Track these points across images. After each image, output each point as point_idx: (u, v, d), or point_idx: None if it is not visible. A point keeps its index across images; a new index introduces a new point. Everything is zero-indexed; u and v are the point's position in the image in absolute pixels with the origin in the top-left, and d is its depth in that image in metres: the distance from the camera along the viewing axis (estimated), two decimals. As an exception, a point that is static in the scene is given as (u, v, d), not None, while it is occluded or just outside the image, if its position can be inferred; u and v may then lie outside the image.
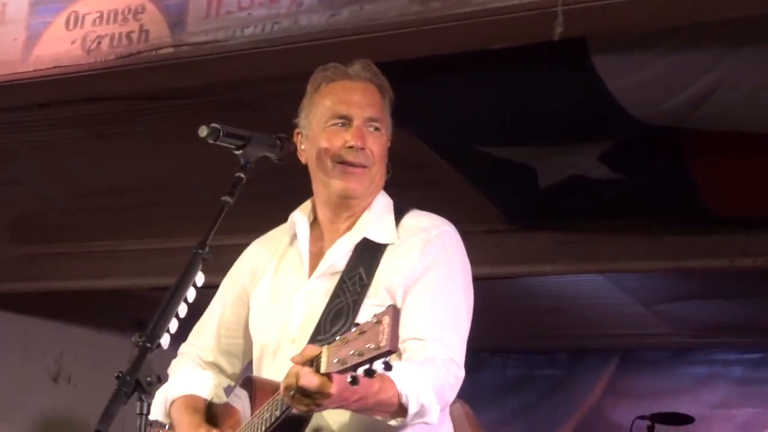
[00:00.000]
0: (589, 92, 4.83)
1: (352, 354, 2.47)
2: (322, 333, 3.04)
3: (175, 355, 3.49)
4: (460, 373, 3.04)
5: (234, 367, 3.43)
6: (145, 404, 2.60)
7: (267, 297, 3.28)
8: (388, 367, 2.44)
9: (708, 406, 10.27)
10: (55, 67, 4.96)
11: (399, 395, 2.79)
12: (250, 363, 3.37)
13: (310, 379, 2.58)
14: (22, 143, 6.27)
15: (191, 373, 3.37)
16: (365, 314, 2.98)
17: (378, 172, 3.23)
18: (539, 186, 6.09)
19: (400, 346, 2.84)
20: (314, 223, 3.31)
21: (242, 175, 3.02)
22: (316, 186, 3.28)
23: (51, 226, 7.89)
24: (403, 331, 2.83)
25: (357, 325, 2.52)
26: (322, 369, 2.57)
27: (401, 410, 2.82)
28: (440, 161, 6.04)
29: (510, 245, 7.10)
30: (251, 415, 2.98)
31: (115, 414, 2.54)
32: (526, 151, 5.84)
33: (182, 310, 2.94)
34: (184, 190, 6.62)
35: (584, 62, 4.63)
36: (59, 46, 4.95)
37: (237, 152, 3.07)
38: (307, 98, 3.29)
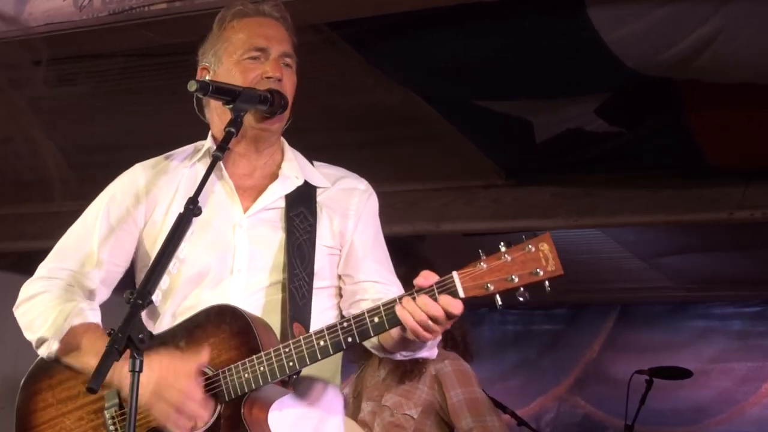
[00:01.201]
0: (586, 44, 4.79)
1: (509, 277, 2.66)
2: (296, 267, 3.14)
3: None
4: None
5: (102, 297, 3.35)
6: (137, 361, 2.58)
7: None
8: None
9: (706, 360, 10.30)
10: (47, 24, 4.91)
11: None
12: None
13: (460, 307, 2.75)
14: (15, 101, 6.22)
15: (91, 304, 3.27)
16: (320, 254, 3.21)
17: (289, 109, 3.27)
18: (536, 140, 6.07)
19: (359, 285, 3.21)
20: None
21: (233, 130, 3.01)
22: (216, 124, 3.30)
23: (43, 184, 7.84)
24: (361, 274, 3.23)
25: (498, 250, 2.72)
26: (461, 294, 2.73)
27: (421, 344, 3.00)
28: (437, 116, 6.01)
29: (508, 200, 7.09)
30: (262, 347, 2.97)
31: (107, 372, 2.52)
32: (523, 105, 5.81)
33: (173, 266, 2.93)
34: (178, 146, 6.58)
35: (580, 14, 4.59)
36: (51, 3, 4.89)
37: (227, 107, 3.06)
38: (214, 34, 3.34)
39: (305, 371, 3.04)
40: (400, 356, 3.12)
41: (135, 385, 2.56)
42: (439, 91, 5.72)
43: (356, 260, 3.27)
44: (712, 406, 10.25)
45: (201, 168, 3.29)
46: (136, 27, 4.81)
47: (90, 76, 5.79)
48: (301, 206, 3.23)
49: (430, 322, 2.75)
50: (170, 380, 2.88)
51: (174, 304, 3.18)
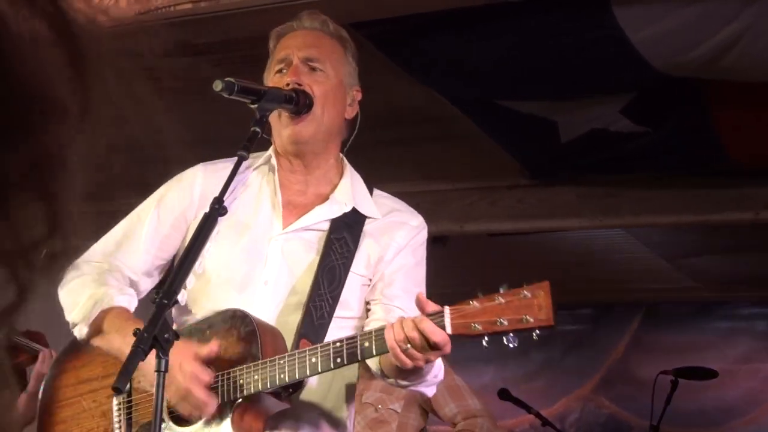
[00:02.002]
0: (611, 44, 4.78)
1: (499, 320, 2.64)
2: (320, 288, 3.14)
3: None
4: None
5: (146, 287, 3.38)
6: (163, 361, 2.59)
7: (225, 226, 3.23)
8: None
9: (732, 360, 10.26)
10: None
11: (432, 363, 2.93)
12: None
13: (442, 337, 2.71)
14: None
15: (124, 290, 3.29)
16: (351, 281, 3.18)
17: (326, 115, 3.25)
18: (561, 140, 6.06)
19: (377, 306, 3.17)
20: (280, 171, 3.34)
21: (258, 129, 3.01)
22: (275, 138, 3.33)
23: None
24: (384, 297, 3.19)
25: (494, 293, 2.70)
26: (449, 329, 2.70)
27: (418, 376, 2.98)
28: (462, 116, 6.00)
29: (533, 200, 7.08)
30: (262, 355, 2.97)
31: (132, 371, 2.53)
32: (548, 105, 5.80)
33: (199, 266, 2.94)
34: (206, 146, 6.59)
35: (606, 13, 4.58)
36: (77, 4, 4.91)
37: (252, 106, 3.07)
38: (269, 61, 3.39)
39: (310, 396, 3.07)
40: (398, 384, 3.08)
41: (161, 385, 2.57)
42: (463, 91, 5.71)
43: (383, 285, 3.24)
44: (738, 407, 10.21)
45: (255, 176, 3.34)
46: (161, 27, 4.83)
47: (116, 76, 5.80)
48: (345, 232, 3.22)
49: (406, 345, 2.73)
50: (181, 363, 2.89)
51: (202, 304, 3.20)
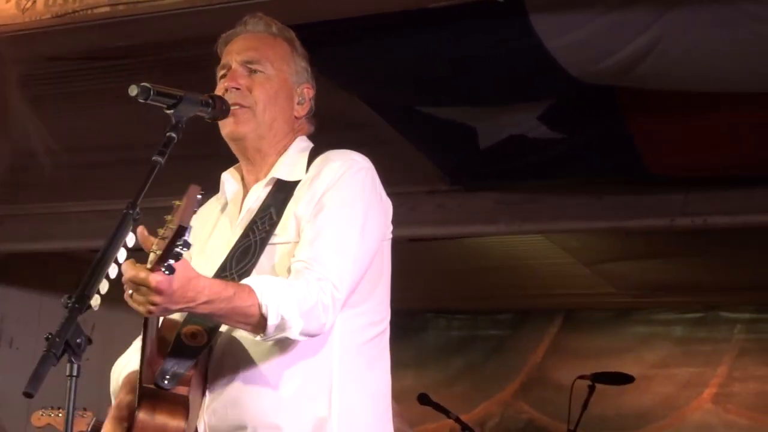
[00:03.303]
0: (528, 51, 4.83)
1: (161, 239, 2.52)
2: (227, 270, 3.06)
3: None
4: (338, 295, 2.94)
5: None
6: (75, 366, 2.57)
7: (195, 253, 3.24)
8: (186, 245, 2.47)
9: (649, 365, 10.39)
10: (-8, 25, 4.89)
11: (259, 305, 2.79)
12: None
13: (128, 270, 2.62)
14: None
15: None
16: (272, 252, 3.05)
17: (267, 113, 3.23)
18: (480, 146, 6.10)
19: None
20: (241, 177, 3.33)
21: (173, 135, 2.99)
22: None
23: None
24: (296, 254, 2.97)
25: None
26: (148, 264, 2.59)
27: (262, 322, 2.81)
28: (382, 122, 6.03)
29: (452, 206, 7.12)
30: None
31: (43, 376, 2.50)
32: (466, 111, 5.84)
33: (113, 271, 2.91)
34: (125, 151, 6.56)
35: (522, 21, 4.63)
36: (-5, 5, 4.87)
37: (168, 111, 3.04)
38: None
39: (256, 375, 3.01)
40: (262, 338, 2.89)
41: (72, 390, 2.55)
42: (383, 96, 5.74)
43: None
44: (655, 411, 10.33)
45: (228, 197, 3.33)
46: (79, 30, 4.80)
47: (34, 79, 5.75)
48: (272, 207, 3.15)
49: (128, 290, 2.68)
50: None
51: None
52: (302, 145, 3.31)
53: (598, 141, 5.95)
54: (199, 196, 2.53)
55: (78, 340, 2.59)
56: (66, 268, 8.90)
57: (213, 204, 3.39)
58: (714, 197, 6.49)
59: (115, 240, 2.76)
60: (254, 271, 3.03)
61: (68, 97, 5.99)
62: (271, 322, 2.80)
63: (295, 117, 3.32)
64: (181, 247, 2.48)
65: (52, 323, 2.65)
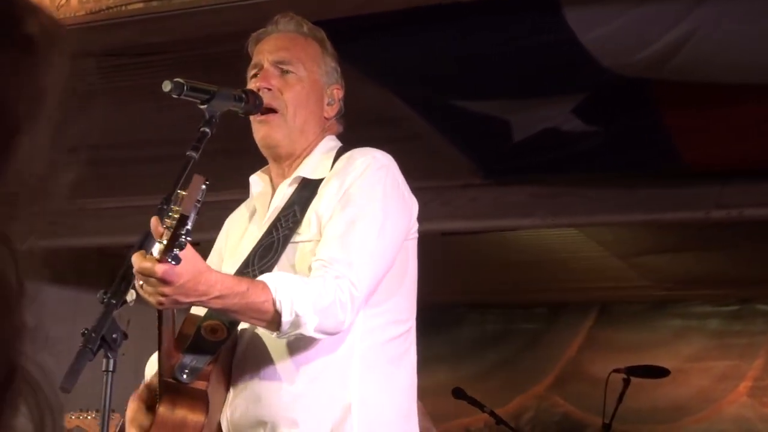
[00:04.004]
0: (561, 44, 4.82)
1: (166, 229, 2.54)
2: (249, 267, 3.08)
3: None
4: (357, 293, 2.94)
5: None
6: (111, 361, 2.59)
7: (226, 257, 3.32)
8: (188, 234, 2.50)
9: (684, 358, 10.34)
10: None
11: (273, 301, 2.81)
12: None
13: (136, 260, 2.64)
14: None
15: None
16: (293, 250, 3.07)
17: (297, 117, 3.24)
18: (514, 139, 6.09)
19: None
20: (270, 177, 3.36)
21: (207, 130, 3.00)
22: None
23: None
24: (316, 252, 2.98)
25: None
26: (156, 254, 2.61)
27: (276, 318, 2.83)
28: (415, 116, 6.02)
29: (486, 199, 7.11)
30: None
31: (80, 371, 2.53)
32: (500, 105, 5.83)
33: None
34: (160, 147, 6.58)
35: (556, 14, 4.61)
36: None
37: (202, 107, 3.06)
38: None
39: (273, 372, 3.04)
40: (278, 335, 2.94)
41: (108, 384, 2.57)
42: (416, 91, 5.74)
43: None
44: (690, 405, 10.30)
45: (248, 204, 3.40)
46: (113, 27, 4.82)
47: (68, 76, 5.77)
48: (296, 205, 3.17)
49: (139, 281, 2.69)
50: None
51: None
52: (330, 144, 3.32)
53: (633, 134, 5.93)
54: (204, 186, 2.54)
55: (114, 336, 2.61)
56: (102, 264, 8.95)
57: (242, 210, 3.44)
58: (750, 189, 6.46)
59: (149, 235, 2.78)
60: (276, 268, 3.04)
61: (102, 94, 6.01)
62: (285, 318, 2.81)
63: (325, 118, 3.33)
64: (184, 236, 2.50)
65: (87, 319, 2.67)
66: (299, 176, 3.22)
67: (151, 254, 2.63)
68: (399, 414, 3.18)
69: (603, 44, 4.85)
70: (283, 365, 3.03)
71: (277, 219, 3.16)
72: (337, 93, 3.36)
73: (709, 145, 6.00)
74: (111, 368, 2.59)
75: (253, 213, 3.36)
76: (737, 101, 5.47)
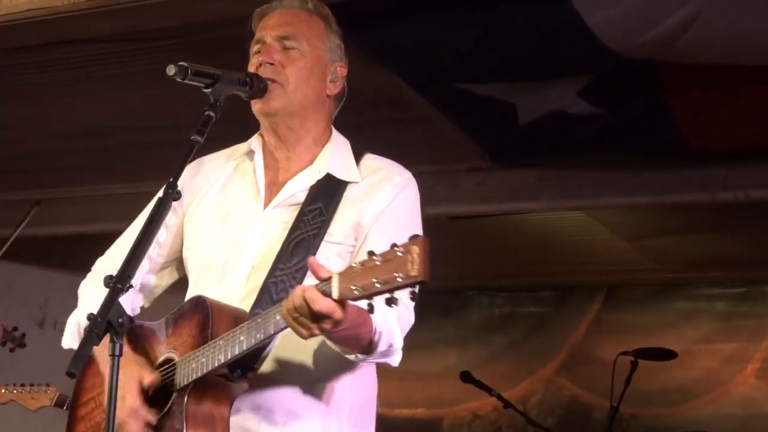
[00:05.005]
0: (567, 26, 4.80)
1: (375, 282, 2.52)
2: (284, 262, 3.09)
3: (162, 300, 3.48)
4: (412, 319, 3.09)
5: (158, 285, 3.43)
6: (117, 345, 2.59)
7: (212, 216, 3.30)
8: (414, 297, 2.53)
9: (692, 341, 10.32)
10: (29, 9, 4.91)
11: (374, 331, 2.85)
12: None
13: (325, 304, 2.63)
14: (2, 88, 6.21)
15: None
16: (324, 251, 3.09)
17: (298, 92, 3.24)
18: (520, 122, 6.08)
19: None
20: (264, 153, 3.34)
21: (212, 114, 3.00)
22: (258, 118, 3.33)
23: (35, 171, 7.84)
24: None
25: (372, 254, 2.55)
26: (335, 295, 2.61)
27: (370, 347, 2.89)
28: (421, 99, 6.01)
29: (492, 183, 7.10)
30: (210, 337, 2.96)
31: (86, 356, 2.54)
32: (506, 88, 5.81)
33: (153, 250, 2.93)
34: (168, 132, 6.57)
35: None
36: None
37: (206, 90, 3.06)
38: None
39: (285, 375, 3.07)
40: (357, 359, 3.00)
41: (115, 369, 2.57)
42: (422, 74, 5.72)
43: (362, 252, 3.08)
44: (698, 387, 10.28)
45: (240, 163, 3.36)
46: (118, 12, 4.81)
47: (80, 62, 5.78)
48: (321, 201, 3.16)
49: (295, 313, 2.67)
50: (124, 395, 2.97)
51: (189, 295, 3.22)
52: (341, 139, 3.35)
53: (639, 116, 5.92)
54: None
55: (120, 320, 2.61)
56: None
57: (219, 162, 3.40)
58: (756, 171, 6.44)
59: (155, 219, 2.79)
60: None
61: (109, 80, 6.01)
62: (381, 348, 2.93)
63: (327, 95, 3.32)
64: (410, 298, 2.56)
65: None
66: (328, 172, 3.22)
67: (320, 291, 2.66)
68: (372, 416, 3.29)
69: (609, 26, 4.83)
70: (289, 360, 3.08)
71: (302, 213, 3.16)
72: (341, 71, 3.36)
73: (715, 127, 5.98)
74: (117, 352, 2.59)
75: (243, 174, 3.33)
76: (743, 83, 5.46)
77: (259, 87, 3.15)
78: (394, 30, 5.13)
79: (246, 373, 2.98)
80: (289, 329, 2.77)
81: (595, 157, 6.64)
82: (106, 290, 3.01)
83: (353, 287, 2.56)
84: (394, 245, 2.50)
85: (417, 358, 10.07)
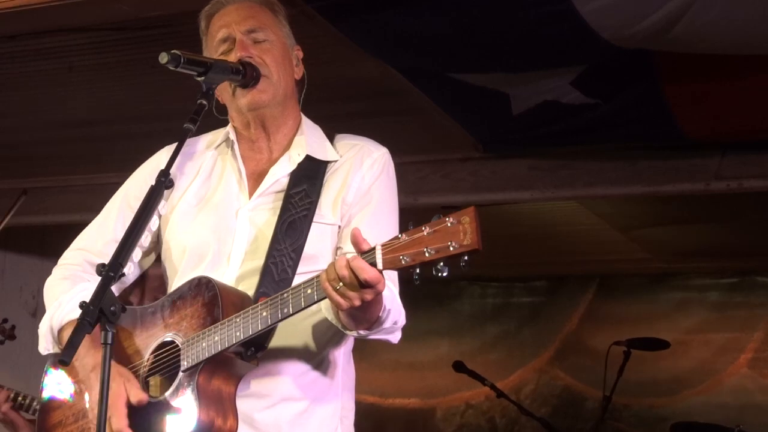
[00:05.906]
0: (560, 16, 4.79)
1: (425, 251, 2.56)
2: (279, 244, 3.12)
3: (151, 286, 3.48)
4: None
5: (132, 272, 3.40)
6: (110, 333, 2.59)
7: (197, 207, 3.32)
8: (465, 265, 2.56)
9: (684, 331, 10.36)
10: (13, -1, 4.90)
11: (383, 308, 2.90)
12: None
13: (372, 274, 2.66)
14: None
15: (80, 288, 3.31)
16: (318, 231, 3.15)
17: (282, 80, 3.29)
18: (513, 112, 6.07)
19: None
20: (241, 143, 3.37)
21: (204, 102, 3.01)
22: (231, 114, 3.36)
23: (26, 159, 7.83)
24: (347, 245, 3.00)
25: (411, 226, 2.62)
26: (380, 265, 2.65)
27: (376, 323, 2.93)
28: (414, 89, 6.00)
29: (485, 172, 7.09)
30: (222, 316, 2.97)
31: (78, 344, 2.53)
32: (499, 77, 5.80)
33: (145, 239, 2.92)
34: (157, 121, 6.57)
35: (554, -15, 4.60)
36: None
37: (199, 79, 3.06)
38: (203, 42, 3.40)
39: (286, 354, 3.09)
40: (360, 335, 3.01)
41: (107, 357, 2.57)
42: (414, 64, 5.71)
43: (348, 229, 3.15)
44: (691, 377, 10.31)
45: (216, 155, 3.39)
46: (105, 1, 4.81)
47: (65, 51, 5.76)
48: (305, 183, 3.21)
49: (338, 283, 2.69)
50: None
51: (177, 282, 3.23)
52: (310, 122, 3.41)
53: (632, 106, 5.91)
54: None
55: (112, 308, 2.61)
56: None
57: (199, 149, 3.43)
58: (749, 161, 6.44)
59: (147, 208, 2.78)
60: (306, 248, 3.12)
61: (101, 68, 5.99)
62: (386, 325, 2.97)
63: (296, 79, 3.38)
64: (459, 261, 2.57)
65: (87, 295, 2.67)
66: (307, 154, 3.27)
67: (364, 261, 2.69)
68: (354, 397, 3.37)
69: (602, 16, 4.82)
70: (290, 348, 3.12)
71: (289, 196, 3.20)
72: (299, 53, 3.43)
73: (708, 117, 5.98)
74: (109, 341, 2.59)
75: (224, 162, 3.36)
76: (736, 72, 5.45)
77: (252, 75, 3.16)
78: (386, 19, 5.11)
79: (258, 351, 2.99)
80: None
81: (588, 146, 6.63)
82: (74, 286, 3.05)
83: (402, 256, 2.60)
84: (443, 215, 2.55)
85: (410, 348, 10.12)
